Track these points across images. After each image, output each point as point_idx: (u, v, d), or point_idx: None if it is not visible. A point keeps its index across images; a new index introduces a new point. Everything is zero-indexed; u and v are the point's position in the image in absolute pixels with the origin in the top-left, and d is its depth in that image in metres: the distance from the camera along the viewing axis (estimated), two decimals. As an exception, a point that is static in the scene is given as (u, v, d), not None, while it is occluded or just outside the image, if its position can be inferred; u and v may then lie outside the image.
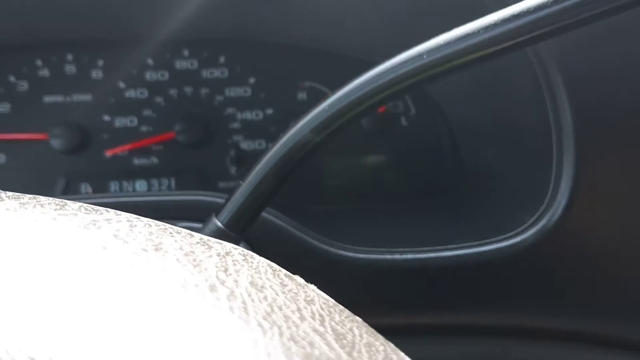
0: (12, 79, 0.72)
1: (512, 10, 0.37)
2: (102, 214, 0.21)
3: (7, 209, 0.20)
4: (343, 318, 0.20)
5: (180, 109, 0.75)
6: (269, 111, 0.76)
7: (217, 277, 0.19)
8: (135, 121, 0.74)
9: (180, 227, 0.49)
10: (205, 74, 0.76)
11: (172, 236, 0.21)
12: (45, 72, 0.73)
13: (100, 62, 0.74)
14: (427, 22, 0.68)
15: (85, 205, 0.22)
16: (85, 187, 0.72)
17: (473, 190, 0.69)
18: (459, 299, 0.58)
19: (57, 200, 0.22)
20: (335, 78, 0.76)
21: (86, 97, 0.73)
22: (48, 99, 0.73)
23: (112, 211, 0.22)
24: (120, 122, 0.73)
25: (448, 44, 0.41)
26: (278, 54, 0.77)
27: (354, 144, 0.77)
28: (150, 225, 0.22)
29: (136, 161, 0.74)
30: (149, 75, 0.74)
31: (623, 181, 0.51)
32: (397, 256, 0.55)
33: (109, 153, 0.73)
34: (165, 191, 0.54)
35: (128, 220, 0.22)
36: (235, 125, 0.76)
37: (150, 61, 0.74)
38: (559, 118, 0.52)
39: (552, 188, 0.53)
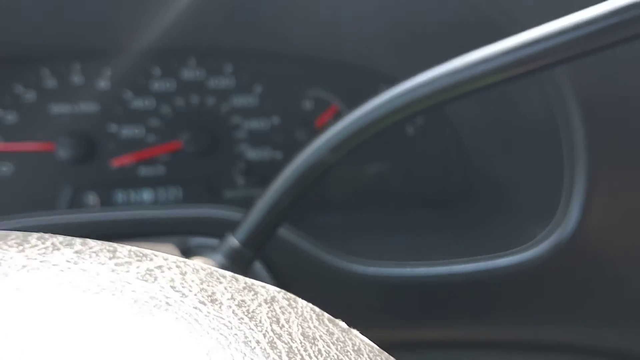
0: (18, 88, 0.72)
1: (538, 33, 0.37)
2: (152, 260, 0.21)
3: (67, 262, 0.20)
4: None
5: (187, 118, 0.74)
6: (275, 120, 0.76)
7: (272, 331, 0.19)
8: (142, 131, 0.73)
9: (197, 242, 0.49)
10: (212, 83, 0.75)
11: (220, 283, 0.21)
12: (52, 82, 0.72)
13: (107, 72, 0.73)
14: (431, 34, 0.69)
15: (133, 249, 0.22)
16: (93, 197, 0.72)
17: (482, 202, 0.70)
18: (470, 313, 0.58)
19: (107, 246, 0.22)
20: (341, 87, 0.77)
21: (93, 107, 0.73)
22: (55, 108, 0.72)
23: (160, 255, 0.22)
24: (126, 131, 0.73)
25: (467, 67, 0.41)
26: (284, 63, 0.77)
27: (360, 153, 0.77)
28: (198, 272, 0.22)
29: (143, 171, 0.73)
30: (155, 85, 0.74)
31: (635, 196, 0.51)
32: (407, 269, 0.55)
33: (115, 163, 0.72)
34: (178, 206, 0.53)
35: (177, 267, 0.21)
36: (242, 134, 0.76)
37: (157, 70, 0.74)
38: (571, 132, 0.52)
39: (563, 202, 0.53)
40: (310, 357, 0.17)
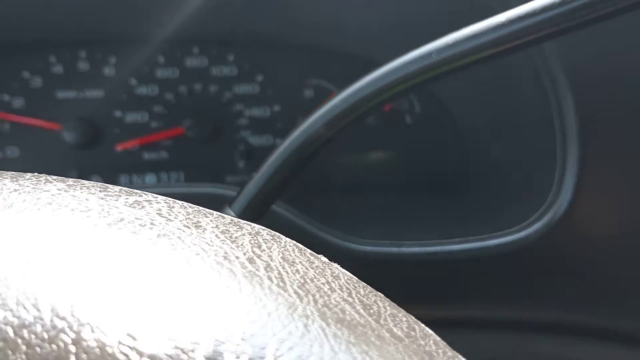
0: (26, 74, 0.74)
1: (519, 11, 0.38)
2: (141, 195, 0.23)
3: (58, 190, 0.21)
4: (367, 292, 0.22)
5: (190, 105, 0.76)
6: (276, 108, 0.78)
7: (252, 251, 0.20)
8: (146, 117, 0.75)
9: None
10: (214, 71, 0.77)
11: (206, 216, 0.23)
12: (58, 69, 0.74)
13: (113, 59, 0.75)
14: (430, 23, 0.70)
15: (124, 188, 0.24)
16: (96, 180, 0.73)
17: (477, 186, 0.71)
18: (465, 292, 0.59)
19: (99, 184, 0.23)
20: (340, 76, 0.79)
21: (98, 93, 0.75)
22: (61, 94, 0.74)
23: (149, 194, 0.24)
24: (131, 117, 0.75)
25: (457, 43, 0.42)
26: (285, 53, 0.78)
27: (359, 140, 0.78)
28: (185, 207, 0.23)
29: (146, 155, 0.75)
30: (159, 73, 0.76)
31: (626, 178, 0.53)
32: (404, 249, 0.57)
33: (119, 147, 0.74)
34: (178, 183, 0.55)
35: (166, 202, 0.23)
36: (244, 121, 0.77)
37: (161, 59, 0.76)
38: (562, 117, 0.53)
39: (556, 184, 0.55)
40: (288, 274, 0.18)
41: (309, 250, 0.24)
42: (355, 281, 0.22)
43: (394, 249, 0.56)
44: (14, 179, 0.22)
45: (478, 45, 0.42)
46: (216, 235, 0.20)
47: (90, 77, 0.75)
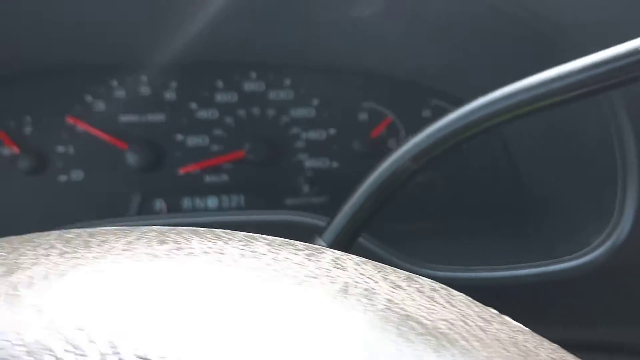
0: (89, 98, 0.75)
1: (599, 57, 0.40)
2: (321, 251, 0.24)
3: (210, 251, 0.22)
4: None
5: (249, 128, 0.78)
6: (332, 131, 0.80)
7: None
8: (207, 140, 0.77)
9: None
10: (271, 95, 0.79)
11: (390, 277, 0.24)
12: (121, 93, 0.76)
13: (173, 84, 0.77)
14: (484, 50, 0.72)
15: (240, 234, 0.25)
16: (160, 204, 0.75)
17: (534, 209, 0.73)
18: (531, 316, 0.61)
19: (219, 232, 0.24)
20: (395, 100, 0.81)
21: (160, 117, 0.76)
22: (124, 118, 0.76)
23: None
24: (192, 141, 0.77)
25: (540, 85, 0.44)
26: (340, 77, 0.80)
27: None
28: (374, 265, 0.25)
29: (207, 178, 0.77)
30: (219, 97, 0.78)
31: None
32: (472, 274, 0.58)
33: (182, 171, 0.76)
34: (260, 211, 0.57)
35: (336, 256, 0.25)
36: (300, 144, 0.79)
37: (220, 83, 0.78)
38: (622, 142, 0.55)
39: (617, 209, 0.57)
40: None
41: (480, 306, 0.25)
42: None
43: (463, 274, 0.58)
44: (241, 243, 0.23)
45: (571, 84, 0.44)
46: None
47: (151, 101, 0.76)
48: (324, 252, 0.26)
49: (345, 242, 0.49)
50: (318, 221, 0.55)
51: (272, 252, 0.23)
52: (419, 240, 0.70)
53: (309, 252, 0.24)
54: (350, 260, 0.25)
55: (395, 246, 0.60)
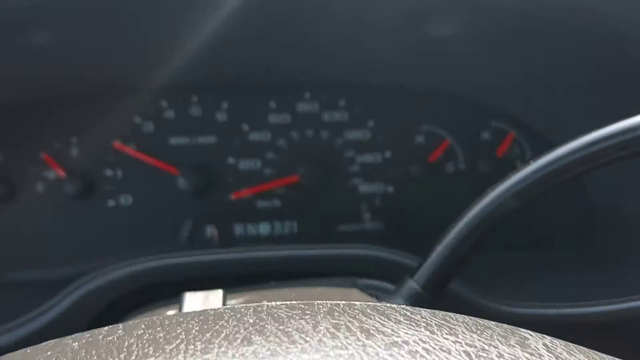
0: (138, 120, 0.72)
1: None
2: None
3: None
4: None
5: (302, 151, 0.75)
6: (388, 154, 0.76)
7: None
8: (259, 164, 0.74)
9: (372, 283, 0.49)
10: (325, 117, 0.76)
11: None
12: (170, 114, 0.73)
13: (225, 105, 0.74)
14: (548, 71, 0.69)
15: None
16: (211, 230, 0.72)
17: (610, 243, 0.69)
18: (615, 354, 0.57)
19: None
20: (453, 122, 0.77)
21: (211, 139, 0.73)
22: (174, 140, 0.73)
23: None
24: (244, 164, 0.73)
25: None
26: (396, 97, 0.77)
27: (472, 189, 0.76)
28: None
29: (259, 204, 0.74)
30: (271, 118, 0.74)
31: None
32: (552, 311, 0.55)
33: (235, 196, 0.73)
34: (342, 245, 0.53)
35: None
36: (355, 168, 0.76)
37: (272, 104, 0.75)
38: None
39: None
40: None
41: None
42: None
43: (543, 311, 0.55)
44: None
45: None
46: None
47: (202, 122, 0.73)
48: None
49: (439, 285, 0.45)
50: (405, 259, 0.52)
51: None
52: (490, 274, 0.67)
53: None
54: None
55: (467, 280, 0.57)
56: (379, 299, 0.44)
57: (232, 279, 0.51)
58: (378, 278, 0.51)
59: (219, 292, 0.38)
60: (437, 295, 0.45)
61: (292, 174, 0.74)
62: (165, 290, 0.50)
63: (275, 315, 0.22)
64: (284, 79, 0.75)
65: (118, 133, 0.72)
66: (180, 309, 0.36)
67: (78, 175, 0.71)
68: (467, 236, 0.44)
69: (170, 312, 0.39)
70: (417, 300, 0.43)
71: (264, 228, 0.73)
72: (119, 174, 0.72)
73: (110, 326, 0.23)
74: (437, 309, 0.47)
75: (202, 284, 0.49)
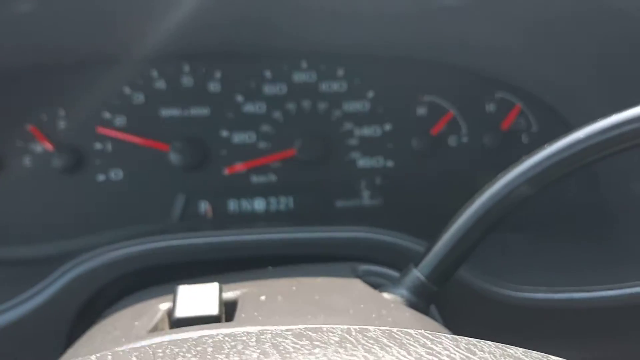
0: (127, 90, 0.69)
1: None
2: None
3: None
4: None
5: (298, 124, 0.72)
6: (387, 127, 0.73)
7: None
8: (254, 137, 0.71)
9: (374, 270, 0.47)
10: (323, 87, 0.72)
11: None
12: (161, 84, 0.70)
13: (218, 74, 0.70)
14: (555, 39, 0.65)
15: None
16: (204, 205, 0.70)
17: (616, 221, 0.67)
18: (626, 336, 0.56)
19: None
20: (457, 92, 0.74)
21: (204, 111, 0.70)
22: (165, 112, 0.70)
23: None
24: (238, 137, 0.71)
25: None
26: (397, 67, 0.73)
27: (475, 164, 0.74)
28: None
29: (254, 179, 0.71)
30: (267, 89, 0.71)
31: None
32: (561, 295, 0.53)
33: (229, 171, 0.70)
34: (342, 227, 0.51)
35: None
36: (353, 141, 0.73)
37: (268, 74, 0.71)
38: None
39: None
40: None
41: None
42: None
43: (552, 296, 0.53)
44: None
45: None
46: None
47: (194, 93, 0.70)
48: None
49: (444, 276, 0.43)
50: (410, 243, 0.50)
51: None
52: (492, 256, 0.65)
53: None
54: None
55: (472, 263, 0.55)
56: (381, 289, 0.42)
57: (227, 262, 0.49)
58: (378, 263, 0.49)
59: (215, 286, 0.36)
60: (442, 285, 0.43)
61: (288, 147, 0.71)
62: (157, 273, 0.49)
63: (281, 347, 0.20)
64: (279, 46, 0.71)
65: (107, 104, 0.69)
66: (174, 303, 0.34)
67: (66, 148, 0.68)
68: (476, 224, 0.41)
69: (163, 306, 0.37)
70: (422, 292, 0.42)
71: (258, 204, 0.71)
72: (108, 147, 0.69)
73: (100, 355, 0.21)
74: (440, 298, 0.45)
75: (197, 266, 0.47)
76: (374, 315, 0.34)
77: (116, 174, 0.69)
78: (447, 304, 0.48)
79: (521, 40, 0.67)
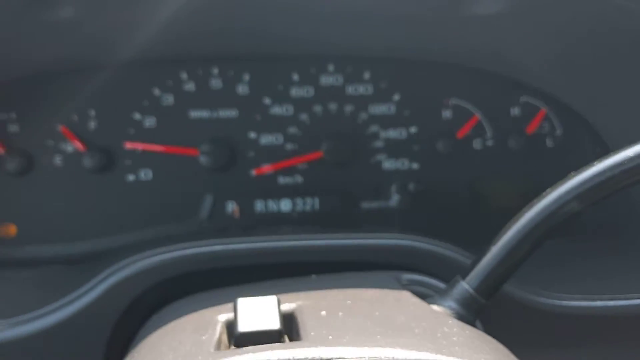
0: (157, 92, 0.70)
1: None
2: None
3: None
4: None
5: (325, 126, 0.72)
6: (413, 129, 0.74)
7: None
8: (281, 139, 0.72)
9: (418, 279, 0.48)
10: (350, 90, 0.73)
11: None
12: (190, 86, 0.71)
13: (247, 77, 0.71)
14: (592, 51, 0.65)
15: None
16: (232, 206, 0.71)
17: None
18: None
19: None
20: (483, 96, 0.74)
21: (232, 113, 0.71)
22: (194, 113, 0.71)
23: None
24: (266, 139, 0.72)
25: None
26: (423, 70, 0.74)
27: (500, 167, 0.74)
28: None
29: (281, 180, 0.72)
30: (294, 91, 0.72)
31: None
32: (597, 303, 0.54)
33: (257, 172, 0.71)
34: (388, 234, 0.52)
35: None
36: (379, 143, 0.74)
37: (295, 76, 0.72)
38: None
39: None
40: None
41: None
42: None
43: (585, 304, 0.54)
44: None
45: None
46: None
47: (223, 95, 0.71)
48: None
49: (492, 288, 0.43)
50: (455, 254, 0.51)
51: None
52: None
53: None
54: None
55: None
56: (429, 301, 0.43)
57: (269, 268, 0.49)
58: (419, 271, 0.50)
59: (273, 299, 0.37)
60: (490, 298, 0.43)
61: (315, 149, 0.72)
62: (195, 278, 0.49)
63: None
64: (306, 50, 0.72)
65: (137, 105, 0.70)
66: (235, 316, 0.34)
67: (97, 148, 0.69)
68: (525, 238, 0.41)
69: (222, 317, 0.37)
70: (470, 304, 0.42)
71: (285, 205, 0.72)
72: (139, 148, 0.70)
73: None
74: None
75: (237, 272, 0.48)
76: (439, 335, 0.35)
77: (146, 174, 0.70)
78: (489, 315, 0.49)
79: (554, 50, 0.67)
